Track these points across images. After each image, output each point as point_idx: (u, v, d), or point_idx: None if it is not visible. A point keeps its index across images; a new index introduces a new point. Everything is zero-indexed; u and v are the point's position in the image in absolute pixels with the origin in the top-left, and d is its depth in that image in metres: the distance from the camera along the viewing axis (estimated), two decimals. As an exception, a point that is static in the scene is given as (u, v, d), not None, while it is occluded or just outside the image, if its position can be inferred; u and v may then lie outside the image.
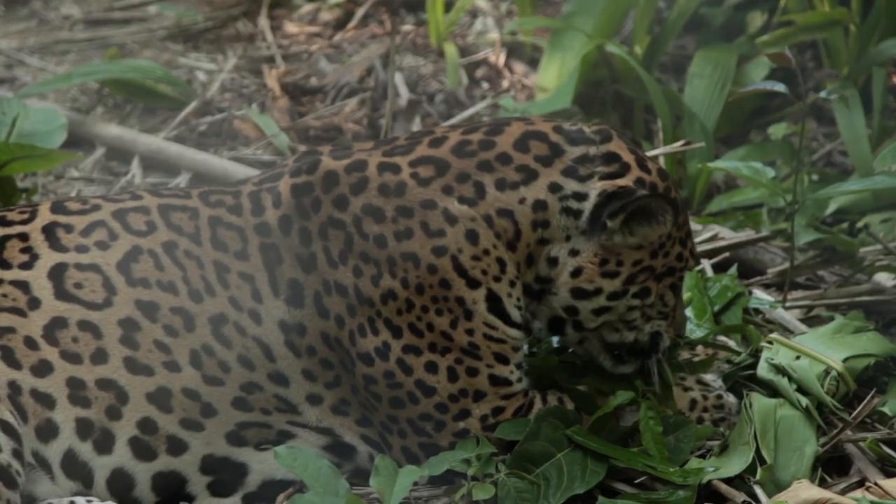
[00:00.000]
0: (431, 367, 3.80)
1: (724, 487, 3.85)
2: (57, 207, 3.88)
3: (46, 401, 3.71)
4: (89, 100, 6.33)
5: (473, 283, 3.79)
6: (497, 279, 3.82)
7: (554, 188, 3.83)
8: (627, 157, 3.86)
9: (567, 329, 3.94)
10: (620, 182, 3.82)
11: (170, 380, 3.76)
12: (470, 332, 3.80)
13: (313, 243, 3.81)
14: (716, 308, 4.51)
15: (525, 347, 3.96)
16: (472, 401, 3.83)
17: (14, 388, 3.70)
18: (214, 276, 3.81)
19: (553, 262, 3.86)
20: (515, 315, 3.85)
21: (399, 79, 6.39)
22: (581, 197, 3.83)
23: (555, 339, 4.15)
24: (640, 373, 4.01)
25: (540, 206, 3.82)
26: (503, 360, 3.84)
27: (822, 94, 4.63)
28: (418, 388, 3.81)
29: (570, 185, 3.83)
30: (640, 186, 3.83)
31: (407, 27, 6.84)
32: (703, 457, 3.96)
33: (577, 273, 3.85)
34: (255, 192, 3.88)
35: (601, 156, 3.85)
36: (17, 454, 3.61)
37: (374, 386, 3.81)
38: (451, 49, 6.49)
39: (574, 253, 3.84)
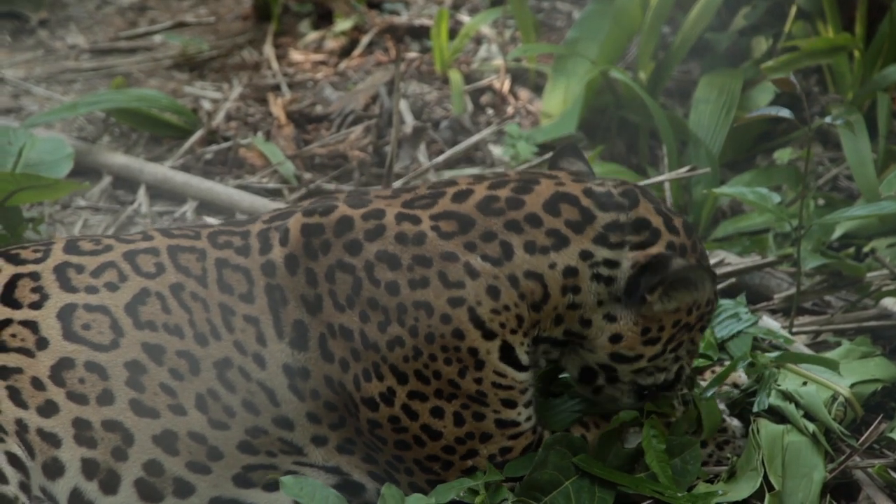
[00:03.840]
0: (437, 413, 3.76)
1: (732, 513, 3.85)
2: (70, 247, 3.87)
3: (52, 440, 3.70)
4: (95, 129, 6.34)
5: (490, 335, 3.74)
6: (513, 332, 3.76)
7: (585, 255, 3.76)
8: (656, 222, 3.80)
9: (599, 380, 3.92)
10: (653, 251, 3.78)
11: (175, 423, 3.75)
12: (478, 380, 3.76)
13: (319, 285, 3.77)
14: (725, 334, 4.51)
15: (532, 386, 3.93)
16: (478, 442, 3.80)
17: (21, 426, 3.69)
18: (220, 319, 3.79)
19: (587, 323, 3.81)
20: (525, 360, 3.81)
21: (404, 106, 6.40)
22: (612, 264, 3.78)
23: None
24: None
25: (570, 272, 3.76)
26: (510, 404, 3.80)
27: (828, 119, 4.63)
28: (424, 433, 3.78)
29: (602, 253, 3.77)
30: (671, 250, 3.79)
31: (412, 54, 6.86)
32: (710, 482, 3.96)
33: (616, 339, 3.82)
34: (265, 231, 3.85)
35: (631, 223, 3.79)
36: (25, 487, 3.61)
37: (379, 430, 3.78)
38: (455, 76, 6.50)
39: (610, 318, 3.80)
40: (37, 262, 3.83)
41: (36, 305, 3.77)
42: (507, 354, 3.76)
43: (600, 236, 3.77)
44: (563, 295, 3.77)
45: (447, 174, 5.99)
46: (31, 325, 3.75)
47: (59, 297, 3.78)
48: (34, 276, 3.81)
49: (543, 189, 3.80)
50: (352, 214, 3.80)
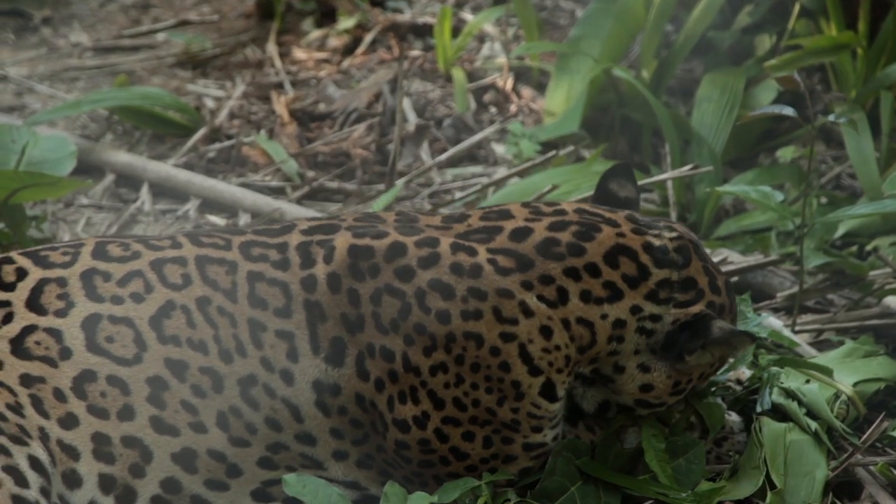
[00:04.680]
0: (468, 437, 3.76)
1: (735, 512, 3.86)
2: (99, 252, 3.82)
3: (72, 452, 3.68)
4: (99, 127, 6.35)
5: (536, 372, 3.74)
6: (559, 371, 3.78)
7: (635, 310, 3.79)
8: (703, 282, 3.84)
9: (609, 413, 3.96)
10: (693, 310, 3.81)
11: (196, 441, 3.72)
12: (515, 410, 3.76)
13: (362, 306, 3.74)
14: None
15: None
16: (501, 462, 3.81)
17: (43, 434, 3.68)
18: (248, 334, 3.75)
19: (620, 369, 3.84)
20: (561, 393, 3.82)
21: (407, 104, 6.40)
22: (656, 319, 3.81)
23: None
24: None
25: (620, 324, 3.79)
26: (539, 430, 3.81)
27: (831, 118, 4.63)
28: (452, 454, 3.78)
29: (649, 308, 3.80)
30: (710, 309, 3.83)
31: (415, 52, 6.86)
32: (712, 480, 3.96)
33: (646, 389, 3.85)
34: (305, 244, 3.81)
35: (681, 281, 3.83)
36: (45, 492, 3.59)
37: (406, 451, 3.77)
38: (458, 74, 6.50)
39: (644, 368, 3.84)
40: (64, 266, 3.79)
41: (61, 313, 3.74)
42: (548, 390, 3.78)
43: (652, 293, 3.80)
44: (608, 343, 3.80)
45: (450, 172, 5.99)
46: (56, 334, 3.72)
47: (85, 307, 3.75)
48: (61, 282, 3.77)
49: (605, 238, 3.81)
50: (405, 241, 3.77)
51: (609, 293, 3.77)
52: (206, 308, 3.76)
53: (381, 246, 3.76)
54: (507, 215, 3.84)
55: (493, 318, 3.71)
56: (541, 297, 3.73)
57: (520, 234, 3.79)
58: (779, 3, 6.23)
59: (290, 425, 3.75)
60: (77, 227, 5.68)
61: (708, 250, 5.17)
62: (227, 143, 6.19)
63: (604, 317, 3.77)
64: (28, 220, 5.13)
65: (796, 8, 6.13)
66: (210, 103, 6.55)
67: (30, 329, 3.72)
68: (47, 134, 5.51)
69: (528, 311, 3.72)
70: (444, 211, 5.48)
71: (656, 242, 3.83)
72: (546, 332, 3.73)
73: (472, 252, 3.75)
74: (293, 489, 3.72)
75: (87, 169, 5.93)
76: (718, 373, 4.12)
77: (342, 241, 3.79)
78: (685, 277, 3.82)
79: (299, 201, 5.80)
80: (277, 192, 5.89)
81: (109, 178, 5.96)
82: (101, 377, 3.71)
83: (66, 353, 3.72)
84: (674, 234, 3.86)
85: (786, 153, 5.84)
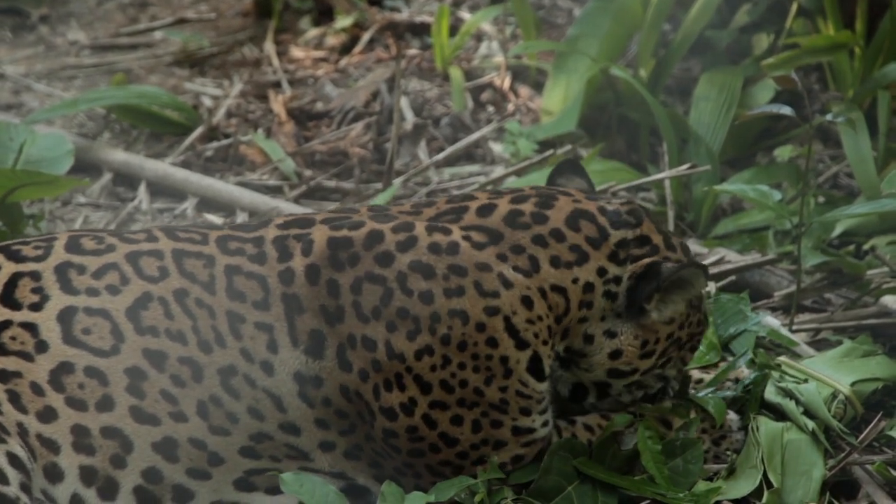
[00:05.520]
0: (457, 421, 3.77)
1: (732, 511, 3.86)
2: (72, 245, 3.82)
3: (52, 446, 3.68)
4: (96, 125, 6.35)
5: (523, 345, 3.77)
6: (545, 343, 3.80)
7: (601, 272, 3.84)
8: (656, 239, 3.89)
9: (589, 398, 3.97)
10: (649, 260, 3.85)
11: (176, 430, 3.72)
12: (503, 388, 3.77)
13: (342, 297, 3.75)
14: (729, 332, 4.52)
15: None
16: (491, 448, 3.81)
17: (22, 429, 3.67)
18: (227, 326, 3.76)
19: (589, 339, 3.87)
20: (547, 371, 3.84)
21: (405, 103, 6.40)
22: (618, 281, 3.85)
23: None
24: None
25: (589, 288, 3.83)
26: (527, 412, 3.82)
27: (828, 117, 4.63)
28: (441, 440, 3.78)
29: (613, 270, 3.85)
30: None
31: (412, 51, 6.86)
32: (710, 480, 3.96)
33: (616, 355, 3.87)
34: (281, 238, 3.82)
35: (635, 239, 3.87)
36: (26, 488, 3.59)
37: (394, 440, 3.77)
38: (456, 73, 6.50)
39: (610, 335, 3.87)
40: (38, 259, 3.79)
41: (36, 307, 3.73)
42: (535, 365, 3.80)
43: (613, 253, 3.85)
44: (580, 309, 3.84)
45: (448, 171, 5.99)
46: (31, 328, 3.71)
47: (60, 299, 3.74)
48: (35, 276, 3.76)
49: (563, 205, 3.88)
50: (381, 228, 3.80)
51: (576, 256, 3.83)
52: (183, 300, 3.76)
53: (359, 235, 3.79)
54: (470, 197, 3.91)
55: (475, 293, 3.74)
56: (516, 268, 3.78)
57: (485, 210, 3.85)
58: (776, 2, 6.24)
59: (273, 415, 3.75)
60: (75, 225, 5.68)
61: (705, 249, 5.19)
62: (224, 141, 6.19)
63: (575, 280, 3.82)
64: (26, 218, 5.12)
65: (794, 7, 6.13)
66: (207, 102, 6.54)
67: (4, 325, 3.71)
68: (45, 132, 5.50)
69: (507, 283, 3.76)
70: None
71: (609, 207, 3.90)
72: (527, 302, 3.77)
73: (447, 231, 3.80)
74: (291, 488, 3.71)
75: (85, 167, 5.92)
76: (716, 367, 4.11)
77: (320, 233, 3.81)
78: (639, 235, 3.88)
79: (297, 200, 5.80)
80: (275, 191, 5.89)
81: (107, 176, 5.96)
82: (78, 369, 3.70)
83: (42, 347, 3.71)
84: (623, 201, 3.94)
85: (783, 152, 5.84)
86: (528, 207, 3.86)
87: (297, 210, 5.55)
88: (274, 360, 3.75)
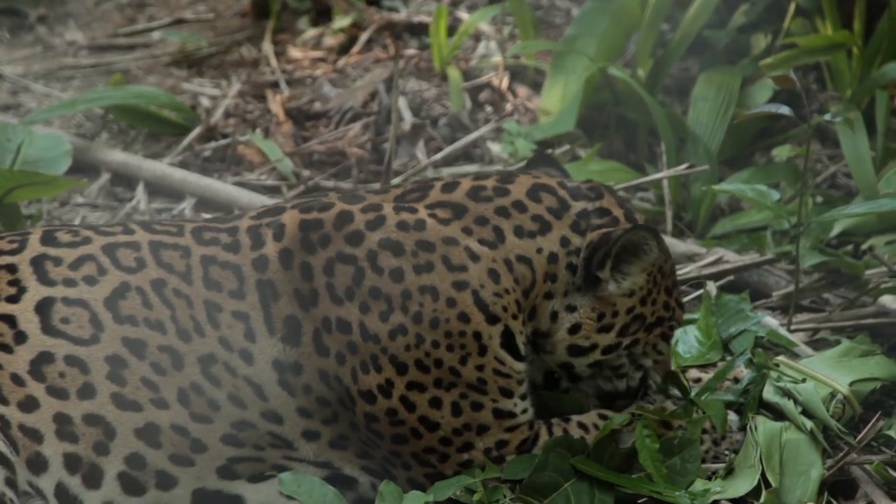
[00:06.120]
0: (435, 403, 3.79)
1: (730, 511, 3.86)
2: (47, 238, 3.84)
3: (34, 436, 3.69)
4: (94, 126, 6.34)
5: (493, 319, 3.79)
6: (514, 317, 3.83)
7: (564, 242, 3.88)
8: (617, 212, 3.93)
9: (563, 383, 4.00)
10: (606, 230, 3.88)
11: (158, 416, 3.74)
12: (480, 367, 3.79)
13: (315, 279, 3.79)
14: (730, 331, 4.52)
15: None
16: (475, 434, 3.82)
17: (4, 421, 3.68)
18: (205, 315, 3.79)
19: (554, 316, 3.89)
20: (523, 350, 3.86)
21: (403, 103, 6.40)
22: (579, 251, 3.89)
23: None
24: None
25: (553, 258, 3.87)
26: (508, 393, 3.84)
27: (826, 117, 4.64)
28: (422, 424, 3.79)
29: (575, 240, 3.89)
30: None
31: (410, 51, 6.86)
32: (708, 479, 3.96)
33: (574, 329, 3.89)
34: (255, 227, 3.87)
35: (596, 210, 3.91)
36: (11, 483, 3.60)
37: (376, 424, 3.79)
38: (454, 73, 6.50)
39: (571, 309, 3.89)
40: (13, 253, 3.81)
41: (13, 299, 3.75)
42: (508, 341, 3.81)
43: (574, 223, 3.89)
44: (545, 282, 3.87)
45: (446, 171, 5.99)
46: (9, 320, 3.73)
47: (37, 291, 3.76)
48: (11, 269, 3.79)
49: (524, 180, 3.95)
50: (351, 209, 3.85)
51: (539, 226, 3.87)
52: (161, 290, 3.79)
53: (329, 217, 3.84)
54: (435, 179, 3.98)
55: (443, 268, 3.79)
56: (482, 240, 3.83)
57: (449, 187, 3.91)
58: (774, 2, 6.24)
59: (255, 404, 3.78)
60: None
61: (703, 249, 5.19)
62: (222, 141, 6.18)
63: (539, 250, 3.86)
64: (23, 218, 5.12)
65: (792, 7, 6.13)
66: (205, 102, 6.54)
67: None
68: (43, 133, 5.51)
69: (474, 256, 3.81)
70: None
71: (569, 183, 3.98)
72: (494, 275, 3.80)
73: (413, 210, 3.85)
74: (288, 487, 3.72)
75: (83, 168, 5.92)
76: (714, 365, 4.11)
77: (290, 217, 3.85)
78: (600, 207, 3.92)
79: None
80: (273, 191, 5.89)
81: (105, 176, 5.96)
82: (58, 358, 3.72)
83: (21, 338, 3.73)
84: (584, 181, 4.01)
85: (781, 152, 5.84)
86: (489, 183, 3.92)
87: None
88: (253, 349, 3.78)
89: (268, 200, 5.65)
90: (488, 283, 3.80)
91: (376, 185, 5.81)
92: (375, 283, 3.78)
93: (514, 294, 3.82)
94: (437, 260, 3.79)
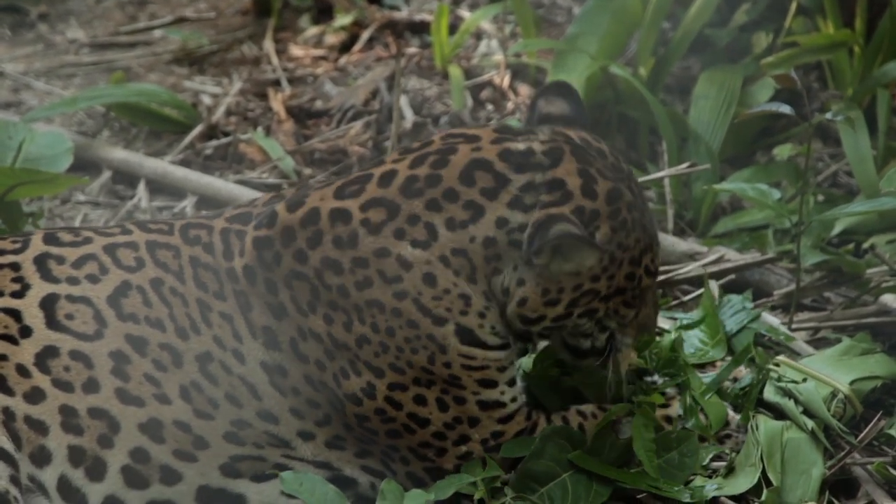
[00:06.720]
0: (420, 400, 3.79)
1: (730, 506, 3.86)
2: (49, 238, 3.89)
3: (40, 427, 3.72)
4: (95, 123, 6.34)
5: (440, 321, 3.77)
6: (463, 313, 3.79)
7: (501, 223, 3.77)
8: (572, 184, 3.77)
9: (533, 340, 3.95)
10: (552, 212, 3.74)
11: (161, 411, 3.77)
12: (447, 364, 3.78)
13: (280, 293, 3.81)
14: (731, 330, 4.52)
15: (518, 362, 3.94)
16: (468, 426, 3.82)
17: (8, 414, 3.70)
18: (198, 314, 3.82)
19: (506, 291, 3.82)
20: (494, 340, 3.82)
21: (404, 101, 6.40)
22: (524, 228, 3.76)
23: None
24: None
25: (490, 242, 3.77)
26: (489, 384, 3.82)
27: (828, 116, 4.64)
28: (412, 420, 3.80)
29: (517, 218, 3.77)
30: (578, 216, 3.74)
31: (412, 50, 6.85)
32: (709, 477, 3.96)
33: (522, 303, 3.81)
34: (226, 232, 3.90)
35: (546, 183, 3.77)
36: (15, 480, 3.62)
37: (368, 423, 3.81)
38: (455, 71, 6.50)
39: (520, 283, 3.80)
40: (16, 252, 3.86)
41: (18, 295, 3.79)
42: (468, 336, 3.78)
43: (515, 199, 3.77)
44: (488, 264, 3.78)
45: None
46: (14, 314, 3.77)
47: (41, 287, 3.80)
48: (14, 267, 3.83)
49: (459, 159, 3.80)
50: (291, 223, 3.82)
51: (471, 213, 3.77)
52: (159, 289, 3.83)
53: (276, 233, 3.84)
54: (381, 163, 3.89)
55: (381, 282, 3.76)
56: (414, 242, 3.76)
57: (386, 179, 3.82)
58: (776, 0, 6.23)
59: (250, 403, 3.80)
60: (74, 223, 5.68)
61: (704, 248, 5.19)
62: (223, 140, 6.19)
63: (472, 240, 3.76)
64: (25, 216, 5.12)
65: (793, 6, 6.13)
66: (207, 100, 6.54)
67: None
68: (44, 130, 5.51)
69: (406, 264, 3.76)
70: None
71: (519, 147, 3.80)
72: (429, 279, 3.76)
73: (347, 217, 3.78)
74: (290, 486, 3.73)
75: (84, 165, 5.93)
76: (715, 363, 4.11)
77: (249, 234, 3.86)
78: (551, 178, 3.76)
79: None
80: (274, 190, 5.89)
81: (106, 174, 5.96)
82: (63, 352, 3.75)
83: (26, 332, 3.76)
84: (547, 138, 3.83)
85: (783, 151, 5.84)
86: (423, 171, 3.80)
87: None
88: (242, 350, 3.81)
89: (269, 198, 5.65)
90: (425, 289, 3.76)
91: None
92: (329, 297, 3.78)
93: (456, 289, 3.77)
94: (373, 275, 3.76)
